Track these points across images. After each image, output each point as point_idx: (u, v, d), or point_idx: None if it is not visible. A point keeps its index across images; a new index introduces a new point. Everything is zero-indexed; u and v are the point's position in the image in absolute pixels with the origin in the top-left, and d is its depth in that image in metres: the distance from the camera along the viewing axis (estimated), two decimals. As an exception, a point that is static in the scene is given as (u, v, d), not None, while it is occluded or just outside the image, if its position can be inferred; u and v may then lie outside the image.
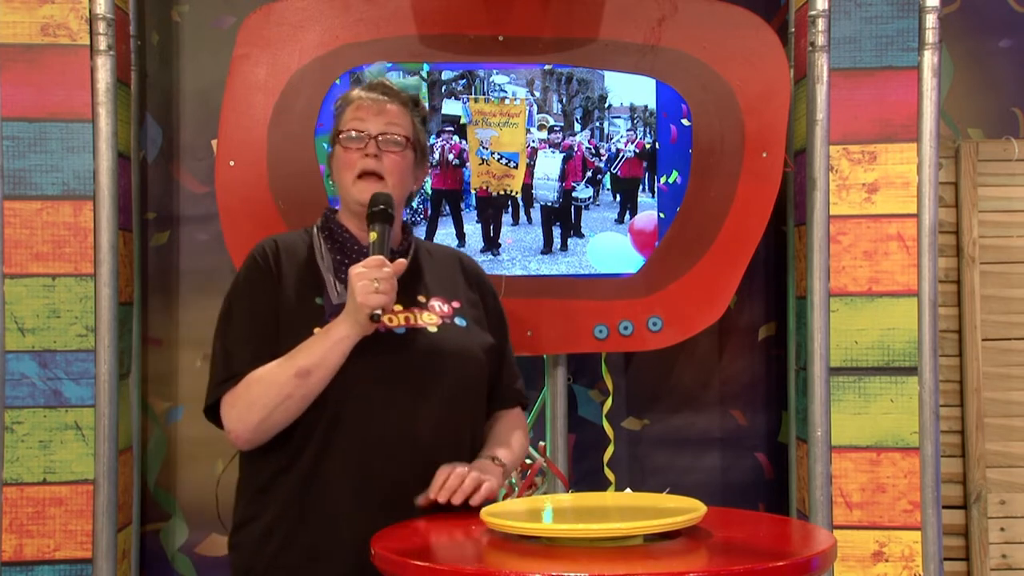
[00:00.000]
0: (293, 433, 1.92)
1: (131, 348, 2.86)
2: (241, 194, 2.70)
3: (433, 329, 1.99)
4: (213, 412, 1.97)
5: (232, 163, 2.70)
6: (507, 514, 1.70)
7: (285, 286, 1.97)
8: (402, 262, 1.93)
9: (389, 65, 2.08)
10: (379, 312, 1.84)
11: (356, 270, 1.86)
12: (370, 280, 1.84)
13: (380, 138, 2.00)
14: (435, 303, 2.03)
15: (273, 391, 1.88)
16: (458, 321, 2.03)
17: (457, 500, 1.85)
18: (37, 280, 2.61)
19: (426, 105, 2.14)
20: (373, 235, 1.93)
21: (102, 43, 2.62)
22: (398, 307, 1.98)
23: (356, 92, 2.07)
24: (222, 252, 2.79)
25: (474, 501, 1.85)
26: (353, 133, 2.01)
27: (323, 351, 1.87)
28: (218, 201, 2.71)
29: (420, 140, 2.08)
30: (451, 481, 1.86)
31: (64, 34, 2.62)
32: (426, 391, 1.94)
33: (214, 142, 2.86)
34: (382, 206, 1.94)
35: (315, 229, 2.07)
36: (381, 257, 1.88)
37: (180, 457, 3.02)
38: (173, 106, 3.03)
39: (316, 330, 1.91)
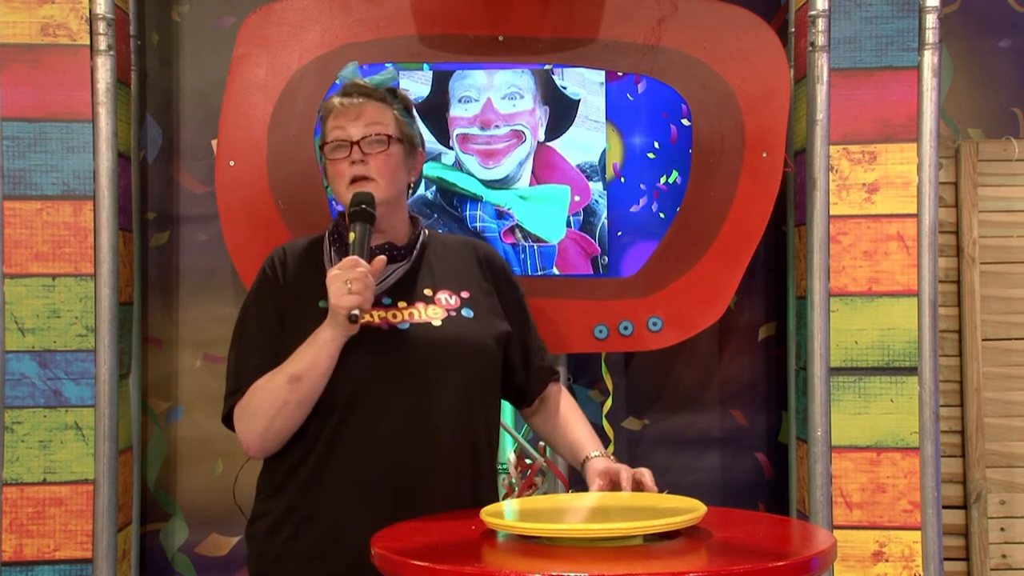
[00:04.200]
0: (306, 432, 1.95)
1: (131, 348, 2.86)
2: (241, 194, 2.70)
3: (437, 323, 2.00)
4: (228, 421, 2.01)
5: (232, 163, 2.70)
6: (507, 514, 1.70)
7: (291, 292, 2.01)
8: (381, 259, 1.93)
9: (364, 66, 2.07)
10: (356, 313, 1.86)
11: (331, 272, 1.89)
12: (342, 282, 1.86)
13: (362, 142, 2.00)
14: (442, 296, 2.04)
15: (270, 399, 1.92)
16: (465, 312, 2.04)
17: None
18: (37, 280, 2.61)
19: (408, 94, 2.15)
20: (352, 235, 1.94)
21: (102, 43, 2.62)
22: (402, 303, 2.00)
23: (334, 99, 2.07)
24: (222, 252, 2.80)
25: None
26: (336, 143, 2.01)
27: (311, 356, 1.90)
28: (218, 201, 2.71)
29: (405, 132, 2.06)
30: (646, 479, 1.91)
31: (64, 34, 2.62)
32: (431, 386, 1.96)
33: (214, 142, 2.86)
34: (363, 205, 1.95)
35: (326, 234, 2.10)
36: (355, 258, 1.89)
37: (180, 457, 3.02)
38: (173, 106, 3.03)
39: None
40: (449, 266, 2.10)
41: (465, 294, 2.06)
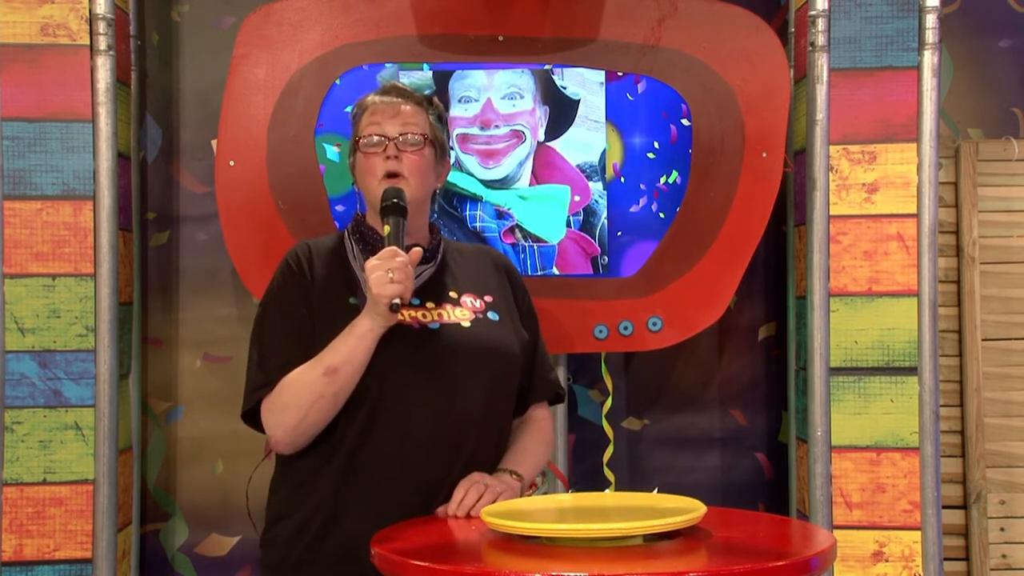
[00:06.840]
0: (331, 431, 1.95)
1: (131, 348, 2.86)
2: (241, 194, 2.70)
3: (467, 324, 2.02)
4: (250, 417, 2.00)
5: (232, 163, 2.70)
6: (507, 514, 1.70)
7: (319, 288, 2.01)
8: (417, 250, 1.94)
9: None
10: (398, 302, 1.86)
11: (371, 263, 1.89)
12: (384, 271, 1.86)
13: (399, 139, 2.02)
14: (467, 299, 2.06)
15: (305, 392, 1.91)
16: (491, 315, 2.06)
17: (475, 514, 1.87)
18: (37, 280, 2.61)
19: (440, 104, 2.18)
20: (386, 228, 1.95)
21: (102, 43, 2.62)
22: (431, 304, 2.02)
23: (371, 97, 2.10)
24: (222, 252, 2.80)
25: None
26: (373, 139, 2.03)
27: (348, 348, 1.90)
28: (218, 201, 2.71)
29: (438, 137, 2.10)
30: (468, 498, 1.89)
31: (64, 34, 2.62)
32: (461, 385, 1.97)
33: (214, 142, 2.86)
34: (394, 200, 1.97)
35: (346, 233, 2.11)
36: (393, 248, 1.90)
37: (180, 457, 3.02)
38: (173, 106, 3.03)
39: None
40: (470, 271, 2.12)
41: (489, 298, 2.09)
